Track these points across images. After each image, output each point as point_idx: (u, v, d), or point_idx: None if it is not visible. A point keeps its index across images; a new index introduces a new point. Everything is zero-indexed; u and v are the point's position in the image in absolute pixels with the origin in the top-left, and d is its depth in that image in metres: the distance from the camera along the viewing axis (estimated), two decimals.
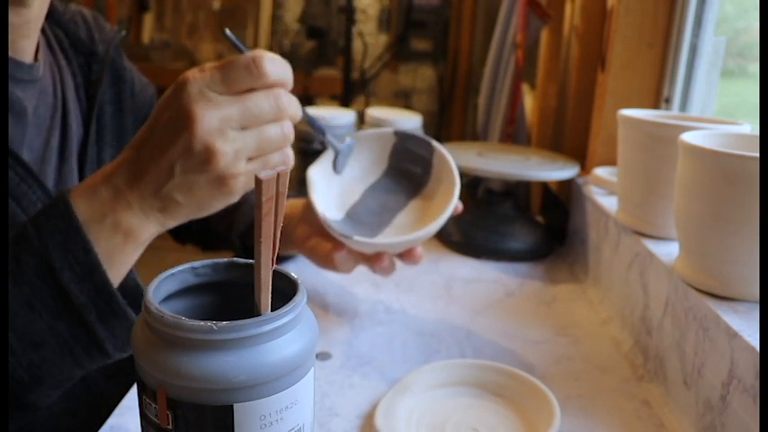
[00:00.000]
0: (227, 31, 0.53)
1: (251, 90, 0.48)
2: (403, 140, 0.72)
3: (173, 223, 0.51)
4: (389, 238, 0.68)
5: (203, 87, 0.47)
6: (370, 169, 0.74)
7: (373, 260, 0.67)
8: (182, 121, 0.47)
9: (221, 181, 0.48)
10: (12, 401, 0.49)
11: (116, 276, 0.50)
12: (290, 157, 0.53)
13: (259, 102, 0.48)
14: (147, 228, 0.50)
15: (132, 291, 0.53)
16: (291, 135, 0.52)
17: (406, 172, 0.73)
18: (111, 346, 0.49)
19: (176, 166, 0.47)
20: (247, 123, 0.48)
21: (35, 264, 0.46)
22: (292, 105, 0.51)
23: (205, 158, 0.47)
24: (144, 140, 0.49)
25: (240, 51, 0.51)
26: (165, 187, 0.48)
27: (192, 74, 0.48)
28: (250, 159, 0.50)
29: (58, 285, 0.46)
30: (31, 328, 0.47)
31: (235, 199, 0.51)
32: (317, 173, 0.70)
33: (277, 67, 0.49)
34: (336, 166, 0.71)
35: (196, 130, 0.46)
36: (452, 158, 0.70)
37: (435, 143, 0.71)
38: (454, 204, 0.66)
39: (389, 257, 0.68)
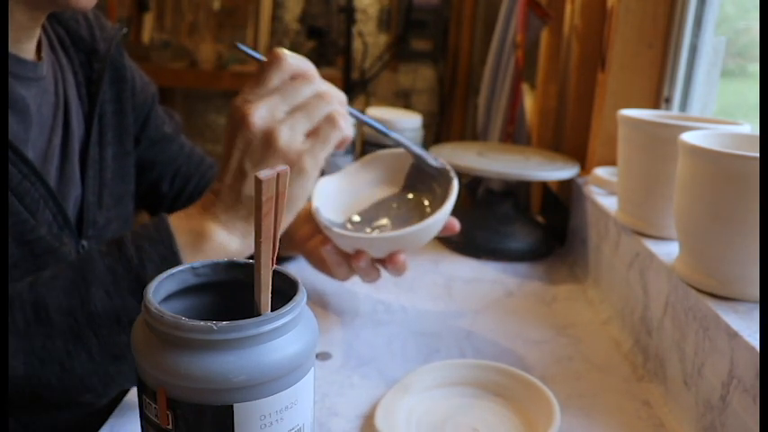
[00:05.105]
0: (240, 45, 0.60)
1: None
2: (420, 162, 0.73)
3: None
4: (366, 234, 0.68)
5: (246, 95, 0.55)
6: (383, 185, 0.75)
7: (354, 259, 0.66)
8: (237, 122, 0.54)
9: (289, 161, 0.54)
10: (65, 398, 0.51)
11: None
12: (346, 130, 0.58)
13: (297, 86, 0.55)
14: (231, 241, 0.55)
15: None
16: (341, 113, 0.57)
17: (419, 194, 0.74)
18: None
19: (245, 162, 0.54)
20: (293, 104, 0.55)
21: (130, 280, 0.50)
22: (332, 89, 0.58)
23: (265, 140, 0.53)
24: (221, 164, 0.56)
25: (257, 59, 0.57)
26: (243, 189, 0.54)
27: (238, 96, 0.55)
28: (308, 136, 0.55)
29: None
30: (114, 340, 0.50)
31: (311, 181, 0.56)
32: (335, 176, 0.73)
33: (294, 59, 0.56)
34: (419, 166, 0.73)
35: (250, 121, 0.53)
36: (456, 179, 0.70)
37: (449, 168, 0.71)
38: (444, 213, 0.64)
39: (367, 258, 0.66)
